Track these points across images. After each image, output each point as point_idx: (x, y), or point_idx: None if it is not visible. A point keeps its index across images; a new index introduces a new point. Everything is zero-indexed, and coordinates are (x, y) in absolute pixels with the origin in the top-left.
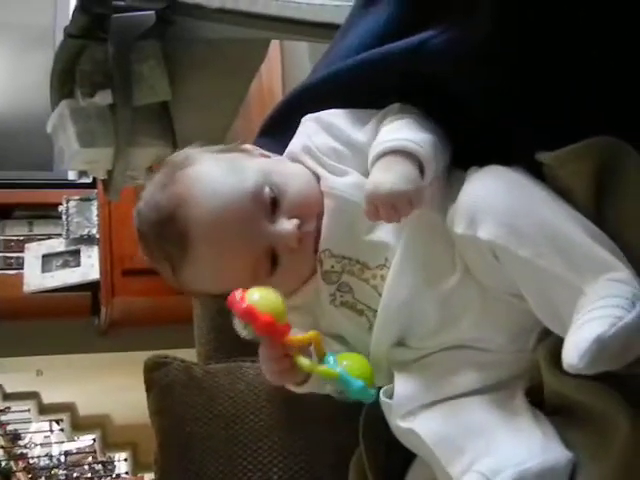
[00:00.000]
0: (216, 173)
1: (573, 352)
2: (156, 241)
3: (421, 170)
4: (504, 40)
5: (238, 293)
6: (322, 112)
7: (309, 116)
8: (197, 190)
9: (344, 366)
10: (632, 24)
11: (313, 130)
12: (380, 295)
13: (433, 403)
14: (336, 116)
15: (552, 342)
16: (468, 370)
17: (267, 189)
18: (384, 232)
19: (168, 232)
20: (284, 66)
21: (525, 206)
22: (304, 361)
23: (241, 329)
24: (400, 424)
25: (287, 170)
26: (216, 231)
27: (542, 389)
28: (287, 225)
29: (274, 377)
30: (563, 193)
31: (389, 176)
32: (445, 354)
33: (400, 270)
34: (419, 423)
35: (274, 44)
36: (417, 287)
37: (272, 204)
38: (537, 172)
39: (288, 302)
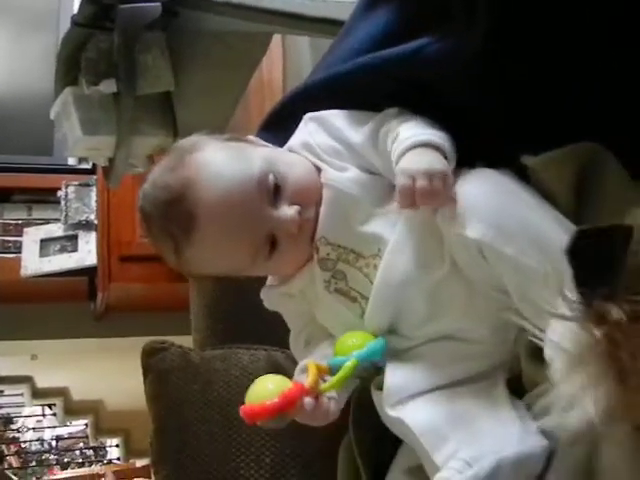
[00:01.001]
0: (223, 159)
1: (552, 345)
2: (161, 221)
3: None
4: (499, 49)
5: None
6: (323, 112)
7: (310, 115)
8: (205, 174)
9: (349, 348)
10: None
11: (313, 129)
12: (372, 283)
13: (421, 393)
14: (335, 116)
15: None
16: (454, 361)
17: (271, 176)
18: (378, 224)
19: (175, 212)
20: (285, 59)
21: (511, 207)
22: (327, 386)
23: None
24: (389, 413)
25: (290, 159)
26: (222, 213)
27: (522, 379)
28: (288, 211)
29: (325, 420)
30: (546, 195)
31: (424, 159)
32: (433, 345)
33: (392, 259)
34: (407, 413)
35: (276, 37)
36: (407, 276)
37: (275, 190)
38: (523, 175)
39: (284, 289)
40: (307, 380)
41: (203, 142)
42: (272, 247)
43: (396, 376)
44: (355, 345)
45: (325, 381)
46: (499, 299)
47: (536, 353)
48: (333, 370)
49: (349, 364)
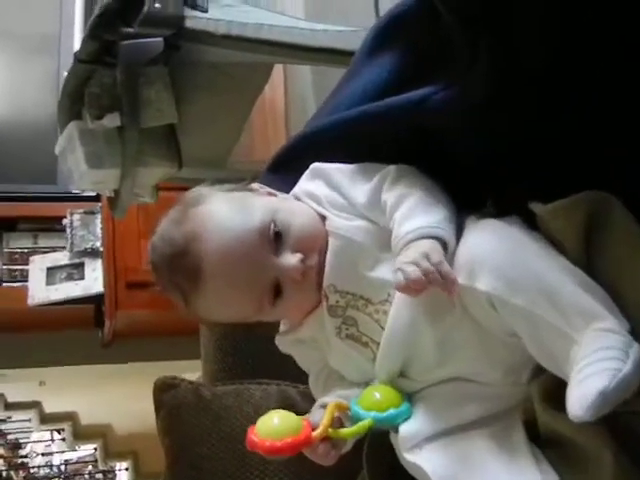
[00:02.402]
0: (226, 211)
1: (578, 405)
2: (169, 274)
3: (444, 248)
4: (501, 97)
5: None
6: (327, 166)
7: (315, 167)
8: (208, 227)
9: (372, 404)
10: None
11: (319, 182)
12: (383, 329)
13: (437, 436)
14: (339, 171)
15: (544, 379)
16: (466, 402)
17: (272, 225)
18: (386, 270)
19: (181, 265)
20: (286, 81)
21: (520, 259)
22: (337, 435)
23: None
24: (407, 457)
25: (292, 207)
26: (226, 264)
27: (536, 421)
28: (291, 259)
29: (325, 463)
30: (555, 243)
31: (414, 251)
32: (444, 387)
33: (401, 305)
34: (424, 458)
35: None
36: (417, 323)
37: (276, 239)
38: (531, 222)
39: (295, 335)
40: (321, 423)
41: (207, 195)
42: (277, 294)
43: (410, 420)
44: (380, 403)
45: (339, 423)
46: (512, 343)
47: (549, 398)
48: (350, 416)
49: (365, 423)
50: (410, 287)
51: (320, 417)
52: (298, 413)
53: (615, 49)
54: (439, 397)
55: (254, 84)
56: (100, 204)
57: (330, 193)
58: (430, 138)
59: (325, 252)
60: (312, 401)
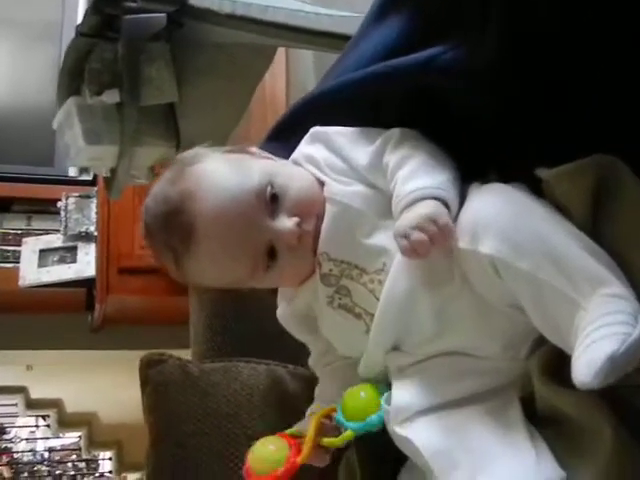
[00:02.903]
0: (223, 171)
1: (586, 371)
2: (162, 233)
3: (446, 208)
4: (512, 58)
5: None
6: (328, 129)
7: (315, 130)
8: (204, 185)
9: (353, 412)
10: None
11: (319, 145)
12: (378, 300)
13: (429, 410)
14: (340, 135)
15: (544, 352)
16: (462, 376)
17: (269, 187)
18: (383, 237)
19: (174, 224)
20: (288, 72)
21: (525, 222)
22: (326, 442)
23: None
24: (397, 431)
25: (290, 171)
26: (220, 225)
27: (533, 400)
28: (287, 222)
29: (325, 463)
30: (561, 209)
31: (416, 213)
32: (440, 360)
33: (398, 274)
34: (415, 432)
35: (279, 50)
36: (414, 293)
37: (273, 201)
38: (536, 188)
39: (292, 307)
40: (305, 443)
41: (203, 154)
42: (271, 258)
43: (403, 393)
44: (359, 411)
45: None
46: (511, 315)
47: (548, 371)
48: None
49: (346, 434)
50: (416, 251)
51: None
52: (288, 392)
53: (632, 12)
54: (434, 371)
55: (256, 69)
56: (96, 188)
57: (329, 156)
58: (436, 101)
59: (322, 218)
60: (301, 380)
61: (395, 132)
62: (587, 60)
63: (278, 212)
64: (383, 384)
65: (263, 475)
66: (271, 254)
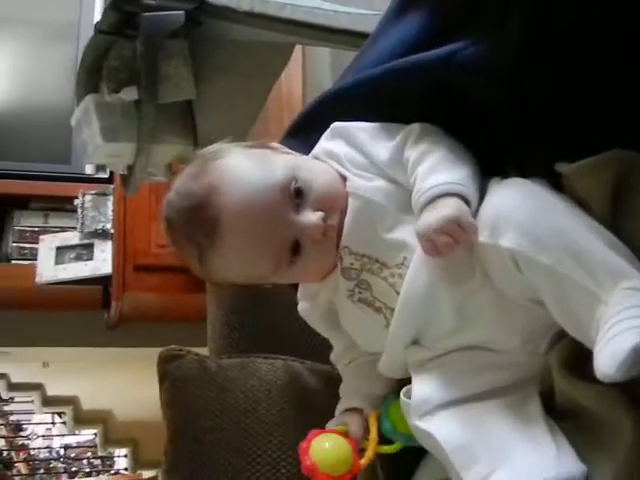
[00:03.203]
0: (246, 165)
1: (609, 363)
2: (185, 228)
3: (467, 204)
4: (533, 54)
5: (305, 444)
6: (348, 124)
7: (335, 126)
8: (228, 179)
9: (400, 429)
10: None
11: (339, 141)
12: (398, 294)
13: (450, 404)
14: (360, 130)
15: (564, 346)
16: (482, 370)
17: (294, 182)
18: (405, 232)
19: (199, 219)
20: (304, 72)
21: (545, 216)
22: (380, 449)
23: None
24: (418, 424)
25: (313, 166)
26: (245, 219)
27: (553, 394)
28: (312, 217)
29: None
30: (581, 204)
31: (439, 213)
32: (460, 354)
33: (419, 269)
34: (436, 425)
35: (296, 49)
36: (434, 287)
37: (298, 196)
38: (556, 183)
39: (314, 302)
40: (367, 452)
41: (225, 149)
42: (296, 253)
43: (423, 387)
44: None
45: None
46: (531, 309)
47: (567, 365)
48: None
49: (396, 445)
50: (440, 253)
51: (361, 429)
52: (306, 388)
53: None
54: (454, 365)
55: (273, 67)
56: (112, 186)
57: (350, 151)
58: (455, 96)
59: (345, 213)
60: (319, 376)
61: (415, 127)
62: (605, 55)
63: (302, 207)
64: None
65: (332, 476)
66: (295, 249)
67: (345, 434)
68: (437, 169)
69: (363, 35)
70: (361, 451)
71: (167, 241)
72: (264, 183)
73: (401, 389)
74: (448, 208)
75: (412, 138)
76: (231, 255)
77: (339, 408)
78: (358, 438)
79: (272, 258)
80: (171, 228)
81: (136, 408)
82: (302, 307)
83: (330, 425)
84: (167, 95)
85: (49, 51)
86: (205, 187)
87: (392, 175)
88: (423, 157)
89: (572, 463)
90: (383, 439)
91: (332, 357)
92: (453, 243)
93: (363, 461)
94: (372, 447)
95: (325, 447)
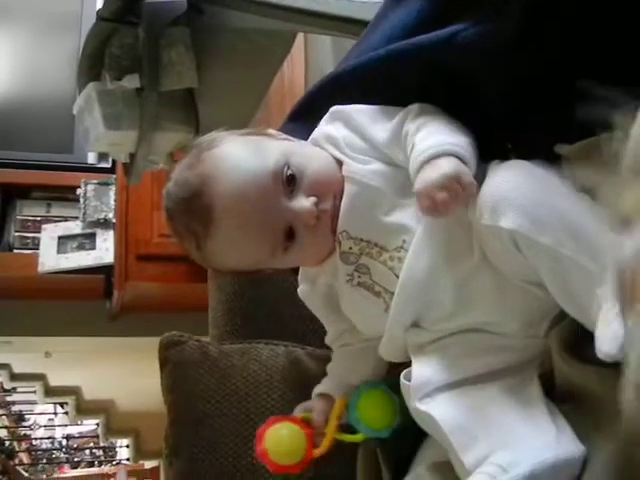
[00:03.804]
0: (240, 153)
1: (611, 343)
2: (182, 217)
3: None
4: (533, 37)
5: (261, 430)
6: (347, 107)
7: (335, 109)
8: (222, 168)
9: (365, 421)
10: None
11: (338, 124)
12: (397, 277)
13: (449, 386)
14: (359, 112)
15: (564, 328)
16: (482, 353)
17: (286, 168)
18: (402, 215)
19: (194, 208)
20: (307, 60)
21: (545, 197)
22: (339, 437)
23: None
24: (418, 406)
25: (308, 152)
26: (238, 206)
27: (552, 376)
28: (304, 202)
29: None
30: (581, 185)
31: (437, 171)
32: (460, 337)
33: (418, 251)
34: (436, 407)
35: (298, 39)
36: (434, 269)
37: (290, 182)
38: (556, 165)
39: (312, 285)
40: (323, 441)
41: (221, 138)
42: (291, 239)
43: (423, 369)
44: (375, 416)
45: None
46: (530, 291)
47: (567, 347)
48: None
49: (358, 436)
50: (438, 211)
51: (322, 418)
52: (307, 373)
53: None
54: (454, 348)
55: (275, 55)
56: (114, 175)
57: (349, 134)
58: (456, 79)
59: (340, 197)
60: (319, 361)
61: (414, 106)
62: (604, 38)
63: (295, 193)
64: (394, 394)
65: (282, 464)
66: (290, 235)
67: (307, 421)
68: (436, 133)
69: (365, 23)
70: (321, 436)
71: (168, 231)
72: (256, 170)
73: (379, 385)
74: (448, 166)
75: (411, 115)
76: (226, 243)
77: (315, 391)
78: (318, 427)
79: (267, 245)
80: (170, 218)
81: (138, 398)
82: (302, 290)
83: (297, 410)
84: (169, 83)
85: (51, 41)
86: (199, 176)
87: (390, 156)
88: (421, 127)
89: (571, 444)
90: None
91: (327, 340)
92: (452, 201)
93: (317, 451)
94: (328, 439)
95: (279, 435)
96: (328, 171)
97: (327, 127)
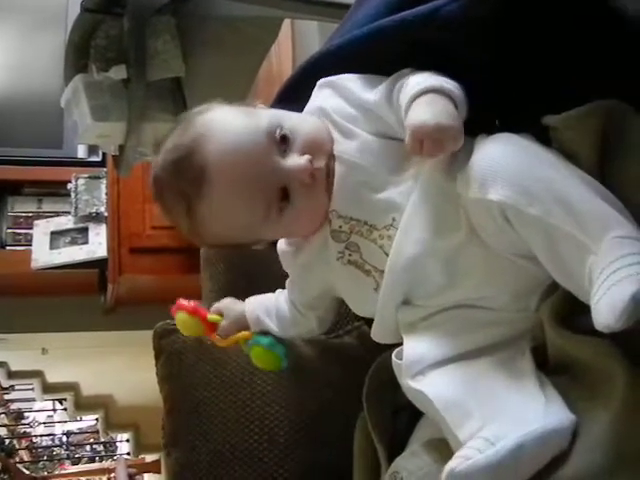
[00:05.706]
0: (232, 116)
1: (609, 313)
2: (172, 180)
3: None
4: (517, 7)
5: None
6: (335, 77)
7: (323, 80)
8: (215, 128)
9: (256, 362)
10: None
11: (327, 93)
12: (387, 255)
13: (442, 362)
14: (348, 80)
15: (554, 300)
16: (473, 328)
17: (279, 128)
18: (392, 192)
19: (186, 167)
20: (294, 50)
21: (533, 168)
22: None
23: None
24: (411, 384)
25: (299, 116)
26: (231, 166)
27: (545, 349)
28: (299, 160)
29: None
30: (569, 156)
31: (433, 111)
32: (451, 313)
33: (408, 228)
34: (429, 384)
35: (285, 27)
36: (424, 244)
37: (283, 142)
38: (544, 136)
39: (296, 256)
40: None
41: (211, 106)
42: (285, 201)
43: (414, 347)
44: (262, 364)
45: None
46: (520, 265)
47: (559, 318)
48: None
49: (245, 333)
50: (429, 154)
51: (226, 334)
52: (302, 358)
53: None
54: (445, 324)
55: (261, 43)
56: (105, 169)
57: (339, 102)
58: (440, 54)
59: (333, 158)
60: (315, 346)
61: (406, 70)
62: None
63: (289, 152)
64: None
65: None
66: (284, 196)
67: (213, 322)
68: (429, 75)
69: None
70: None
71: (155, 201)
72: (250, 130)
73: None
74: (443, 111)
75: (404, 73)
76: (219, 204)
77: (238, 307)
78: (219, 335)
79: (261, 204)
80: (158, 186)
81: (137, 392)
82: (282, 249)
83: (214, 308)
84: (156, 72)
85: (37, 37)
86: (191, 137)
87: (382, 117)
88: (414, 74)
89: (561, 413)
90: None
91: (287, 284)
92: (439, 151)
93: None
94: (223, 345)
95: (182, 320)
96: (321, 132)
97: (317, 99)
